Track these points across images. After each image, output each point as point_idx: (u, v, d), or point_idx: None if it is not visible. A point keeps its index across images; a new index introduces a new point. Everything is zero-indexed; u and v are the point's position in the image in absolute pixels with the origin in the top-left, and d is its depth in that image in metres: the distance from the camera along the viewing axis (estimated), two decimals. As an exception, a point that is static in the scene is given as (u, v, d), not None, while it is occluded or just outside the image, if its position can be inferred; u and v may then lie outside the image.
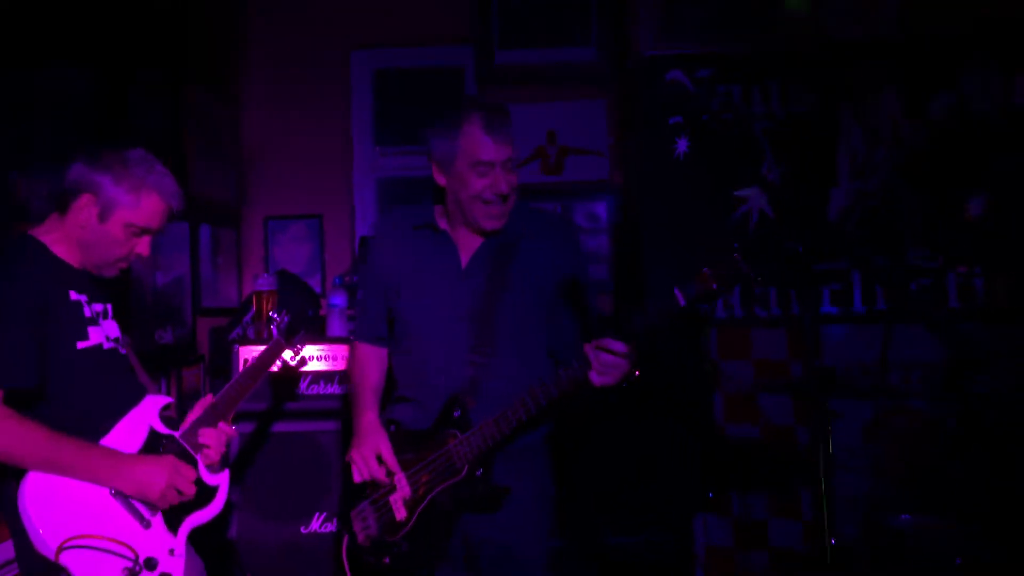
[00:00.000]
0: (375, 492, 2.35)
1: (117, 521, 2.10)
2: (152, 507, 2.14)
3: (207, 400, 2.34)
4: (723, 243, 3.71)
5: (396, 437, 2.37)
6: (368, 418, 2.41)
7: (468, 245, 2.37)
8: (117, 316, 2.32)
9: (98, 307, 2.25)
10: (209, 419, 2.29)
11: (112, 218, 2.17)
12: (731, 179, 3.75)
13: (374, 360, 2.51)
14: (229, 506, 2.30)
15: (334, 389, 3.27)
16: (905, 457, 3.51)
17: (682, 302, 2.00)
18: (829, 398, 3.00)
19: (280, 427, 3.24)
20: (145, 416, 2.23)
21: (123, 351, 2.30)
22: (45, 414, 2.08)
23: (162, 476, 2.12)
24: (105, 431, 2.16)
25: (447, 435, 2.30)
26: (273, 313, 2.64)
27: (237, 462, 3.19)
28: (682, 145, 3.79)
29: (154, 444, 2.21)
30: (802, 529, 3.55)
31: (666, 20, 3.93)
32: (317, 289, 4.20)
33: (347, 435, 3.15)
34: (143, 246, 2.23)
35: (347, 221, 4.37)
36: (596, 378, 2.10)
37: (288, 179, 4.37)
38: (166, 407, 2.28)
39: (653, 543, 3.31)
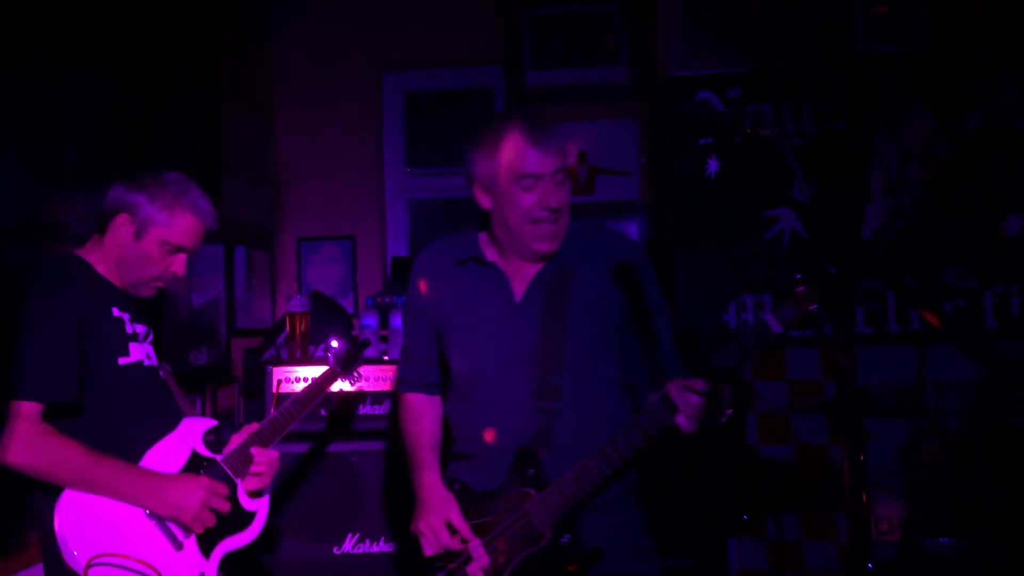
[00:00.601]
0: (450, 563, 2.08)
1: (148, 542, 2.13)
2: (186, 529, 2.16)
3: (253, 426, 2.36)
4: (755, 263, 3.70)
5: (462, 499, 2.11)
6: (429, 480, 2.14)
7: (522, 275, 2.14)
8: (156, 342, 2.36)
9: (140, 328, 2.28)
10: (257, 443, 2.31)
11: (147, 236, 2.22)
12: (762, 199, 3.74)
13: (427, 411, 2.26)
14: (267, 530, 2.31)
15: (367, 410, 3.28)
16: (940, 478, 3.46)
17: (777, 328, 1.81)
18: (863, 418, 2.97)
19: (324, 448, 3.25)
20: (187, 438, 2.26)
21: (162, 375, 2.33)
22: (82, 429, 2.10)
23: (196, 498, 2.14)
24: (143, 450, 2.18)
25: (521, 495, 2.04)
26: (332, 341, 2.68)
27: (276, 483, 3.21)
28: (713, 165, 3.79)
29: (195, 467, 2.23)
30: (837, 551, 3.51)
31: (696, 39, 3.93)
32: (350, 310, 4.23)
33: (389, 457, 3.18)
34: (178, 265, 2.27)
35: (379, 242, 4.40)
36: (685, 423, 1.88)
37: (321, 200, 4.41)
38: (210, 431, 2.29)
39: (687, 568, 3.28)
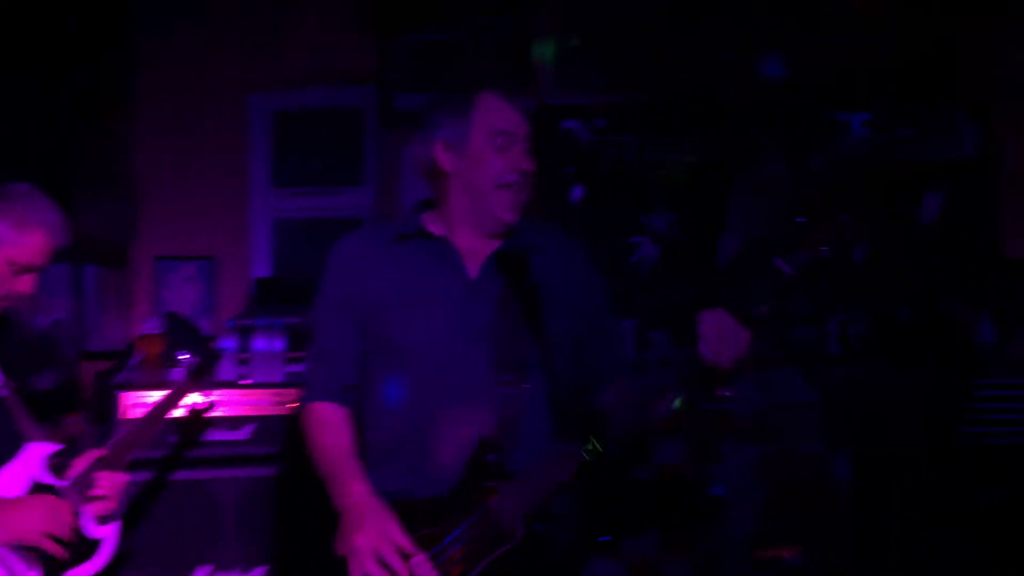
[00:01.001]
0: None
1: None
2: (30, 561, 2.04)
3: (99, 451, 2.23)
4: (618, 289, 3.78)
5: (401, 510, 1.82)
6: (358, 490, 1.86)
7: (475, 252, 1.96)
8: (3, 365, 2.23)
9: None
10: (102, 467, 2.18)
11: None
12: (626, 226, 3.84)
13: (342, 420, 1.99)
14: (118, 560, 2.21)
15: (223, 435, 3.18)
16: (790, 497, 3.60)
17: (789, 271, 1.74)
18: (719, 440, 3.08)
19: (177, 475, 3.13)
20: (28, 465, 2.13)
21: (5, 398, 2.21)
22: None
23: (37, 521, 2.01)
24: None
25: (481, 492, 1.80)
26: (181, 354, 2.56)
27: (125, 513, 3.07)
28: (577, 192, 3.87)
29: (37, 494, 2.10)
30: (691, 566, 3.60)
31: (565, 70, 4.02)
32: (209, 332, 4.10)
33: (244, 484, 3.08)
34: (25, 284, 2.14)
35: (242, 263, 4.30)
36: (710, 354, 1.73)
37: (181, 219, 4.27)
38: (54, 455, 2.17)
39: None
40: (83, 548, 2.13)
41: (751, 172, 3.91)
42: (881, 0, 3.86)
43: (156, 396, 3.01)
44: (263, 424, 3.18)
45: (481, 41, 4.30)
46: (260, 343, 3.49)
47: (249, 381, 3.30)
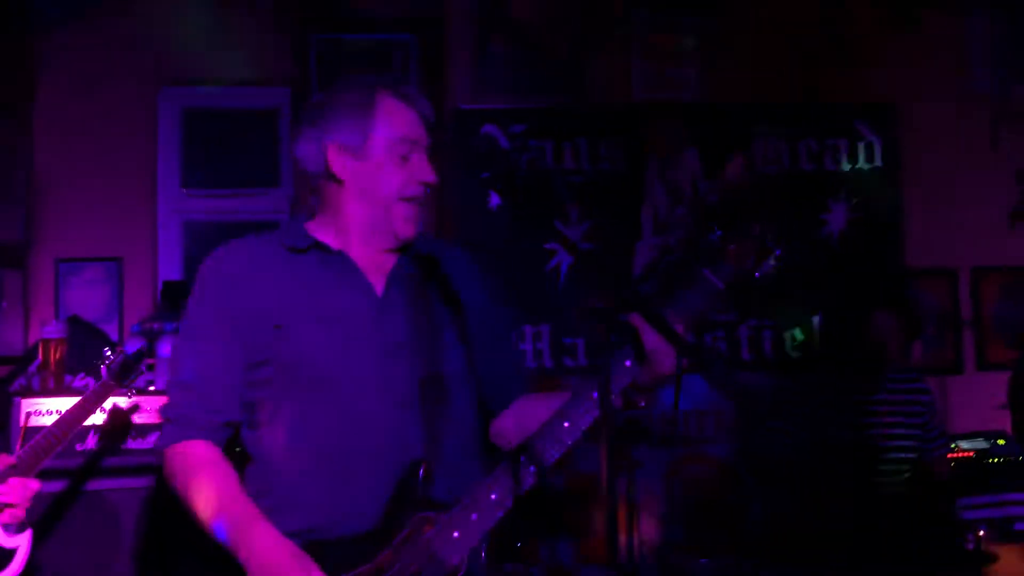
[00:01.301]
0: None
1: None
2: None
3: (7, 457, 2.15)
4: (534, 295, 3.79)
5: (317, 554, 1.58)
6: (264, 536, 1.59)
7: (375, 267, 1.80)
8: None
9: None
10: (12, 473, 2.10)
11: None
12: (541, 233, 3.85)
13: (221, 460, 1.72)
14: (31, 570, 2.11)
15: (130, 443, 3.08)
16: (701, 501, 3.66)
17: (719, 284, 1.67)
18: (633, 446, 3.10)
19: (85, 485, 3.01)
20: None
21: None
22: None
23: None
24: None
25: (416, 524, 1.61)
26: (106, 351, 2.45)
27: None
28: (495, 199, 3.87)
29: None
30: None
31: (483, 75, 4.02)
32: (114, 337, 3.97)
33: (147, 493, 2.97)
34: None
35: (149, 265, 4.17)
36: (651, 369, 1.64)
37: (84, 219, 4.12)
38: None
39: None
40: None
41: (666, 179, 3.97)
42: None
43: (55, 404, 2.91)
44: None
45: (400, 43, 4.27)
46: (167, 348, 3.39)
47: (155, 388, 3.20)
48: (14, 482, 2.10)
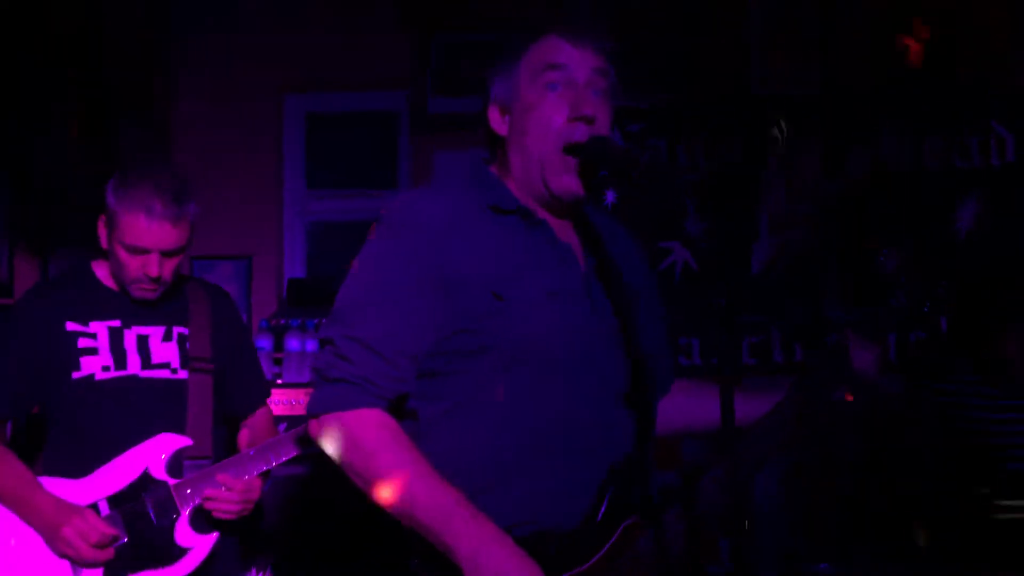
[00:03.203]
0: None
1: (46, 566, 2.06)
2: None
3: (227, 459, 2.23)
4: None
5: (538, 550, 1.41)
6: (488, 532, 1.41)
7: (564, 235, 1.62)
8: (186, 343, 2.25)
9: (142, 331, 2.21)
10: (227, 470, 2.17)
11: (112, 237, 2.17)
12: (657, 231, 3.83)
13: (408, 438, 1.51)
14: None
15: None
16: (821, 507, 3.57)
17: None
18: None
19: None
20: (148, 455, 2.16)
21: (174, 376, 2.22)
22: (53, 442, 2.16)
23: (60, 528, 2.04)
24: (94, 467, 2.12)
25: (628, 531, 1.47)
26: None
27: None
28: (610, 196, 3.86)
29: (142, 487, 2.14)
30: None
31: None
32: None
33: (277, 482, 3.08)
34: (150, 266, 2.17)
35: (276, 264, 4.33)
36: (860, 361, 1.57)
37: (217, 219, 4.28)
38: (183, 450, 2.18)
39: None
40: (165, 553, 2.12)
41: (785, 176, 3.89)
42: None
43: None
44: (293, 424, 3.20)
45: (516, 43, 4.30)
46: (293, 343, 3.52)
47: (282, 380, 3.33)
48: (226, 481, 2.13)
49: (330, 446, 1.51)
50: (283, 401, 3.19)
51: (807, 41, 3.96)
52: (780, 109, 3.89)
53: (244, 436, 2.39)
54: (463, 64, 4.32)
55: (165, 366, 2.21)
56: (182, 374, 2.22)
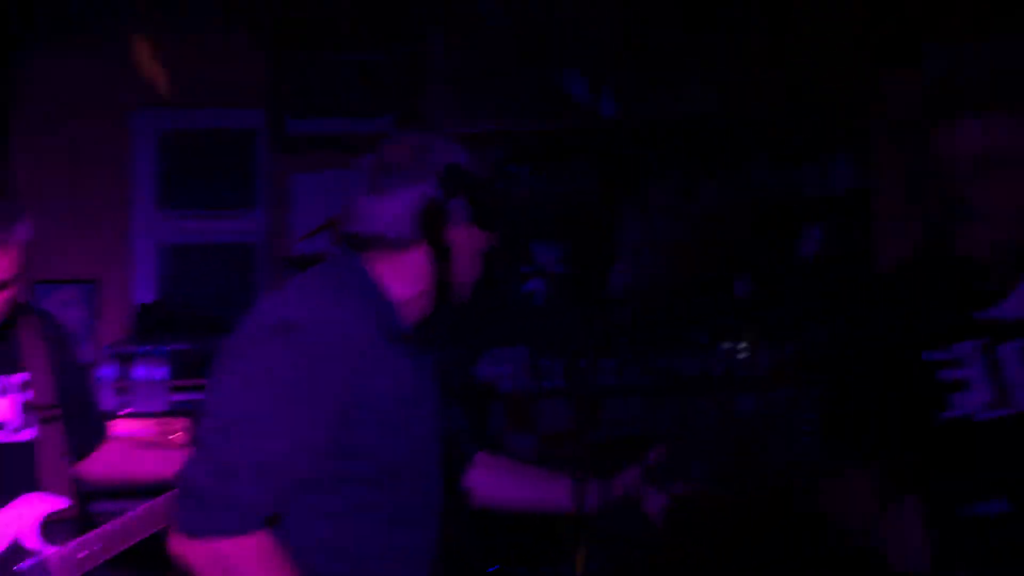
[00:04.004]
0: None
1: None
2: None
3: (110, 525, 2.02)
4: (510, 317, 3.80)
5: None
6: None
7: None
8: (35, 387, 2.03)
9: None
10: (112, 538, 1.98)
11: None
12: (520, 255, 3.86)
13: (284, 562, 1.49)
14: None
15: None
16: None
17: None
18: (608, 469, 3.10)
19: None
20: (17, 521, 1.92)
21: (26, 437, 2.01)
22: None
23: None
24: None
25: None
26: None
27: None
28: (471, 221, 3.88)
29: (14, 559, 1.89)
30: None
31: (462, 98, 4.03)
32: (88, 359, 3.94)
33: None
34: None
35: (124, 287, 4.15)
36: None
37: (59, 240, 4.10)
38: (54, 514, 1.96)
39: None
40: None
41: (643, 202, 3.99)
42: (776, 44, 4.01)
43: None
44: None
45: (377, 64, 4.27)
46: (141, 371, 3.38)
47: (130, 410, 3.18)
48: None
49: (203, 571, 1.45)
50: (129, 432, 3.04)
51: (665, 70, 4.09)
52: (638, 137, 4.00)
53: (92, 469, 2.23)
54: (320, 84, 4.27)
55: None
56: (25, 434, 2.02)
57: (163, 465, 2.12)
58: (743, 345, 3.92)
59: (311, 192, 4.11)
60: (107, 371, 3.36)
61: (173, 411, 3.20)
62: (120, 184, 4.20)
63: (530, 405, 3.75)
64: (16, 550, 1.90)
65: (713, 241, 3.97)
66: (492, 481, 1.93)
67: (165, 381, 3.37)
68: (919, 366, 1.64)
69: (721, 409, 3.83)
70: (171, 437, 3.15)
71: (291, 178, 4.13)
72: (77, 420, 2.13)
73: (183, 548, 1.45)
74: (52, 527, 1.96)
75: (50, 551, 1.93)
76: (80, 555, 1.94)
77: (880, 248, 3.95)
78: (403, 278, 1.65)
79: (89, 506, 2.26)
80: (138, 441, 2.57)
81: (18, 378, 2.04)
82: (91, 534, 1.98)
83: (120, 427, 3.04)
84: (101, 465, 2.22)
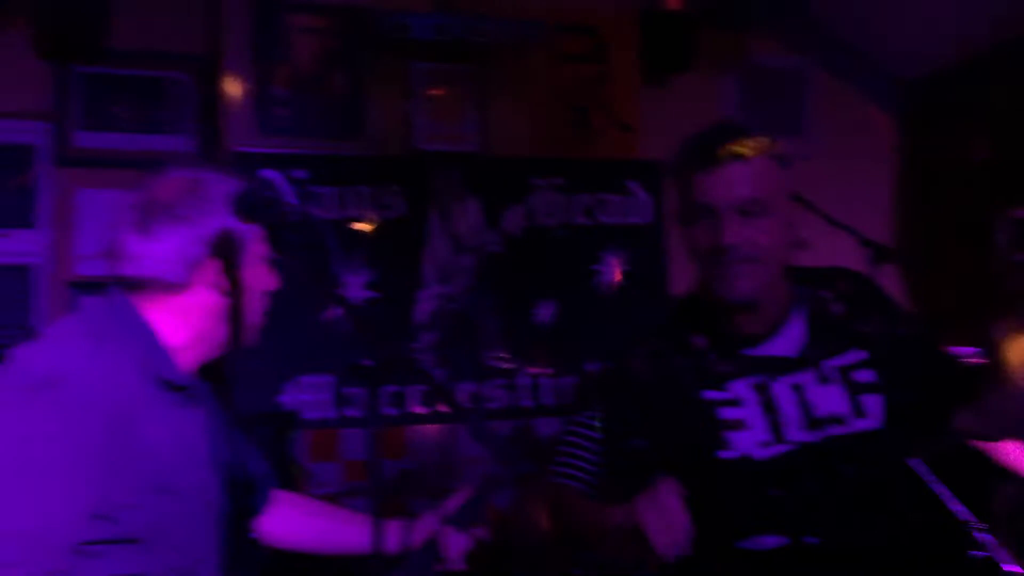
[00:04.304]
0: None
1: None
2: None
3: None
4: (315, 345, 3.70)
5: None
6: None
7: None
8: None
9: None
10: None
11: None
12: (322, 281, 3.76)
13: None
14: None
15: None
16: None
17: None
18: (412, 498, 3.07)
19: None
20: None
21: None
22: None
23: None
24: None
25: None
26: None
27: None
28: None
29: None
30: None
31: (264, 117, 3.92)
32: None
33: None
34: None
35: None
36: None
37: None
38: None
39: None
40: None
41: (449, 228, 4.00)
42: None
43: None
44: None
45: (174, 80, 4.09)
46: None
47: None
48: None
49: None
50: None
51: (467, 102, 4.14)
52: (442, 165, 4.02)
53: None
54: (111, 99, 4.04)
55: None
56: None
57: None
58: (547, 371, 4.00)
59: (99, 210, 3.87)
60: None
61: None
62: None
63: (333, 433, 3.66)
64: None
65: (517, 267, 4.04)
66: (290, 522, 1.86)
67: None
68: (698, 405, 1.67)
69: (526, 436, 3.88)
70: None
71: (77, 195, 3.87)
72: None
73: None
74: None
75: None
76: None
77: (676, 279, 4.14)
78: (179, 322, 1.57)
79: None
80: None
81: None
82: None
83: None
84: None
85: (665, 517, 1.44)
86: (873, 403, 1.66)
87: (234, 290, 1.54)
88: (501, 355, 3.99)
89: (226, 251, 1.51)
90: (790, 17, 4.72)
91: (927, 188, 4.85)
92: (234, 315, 1.54)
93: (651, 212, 4.21)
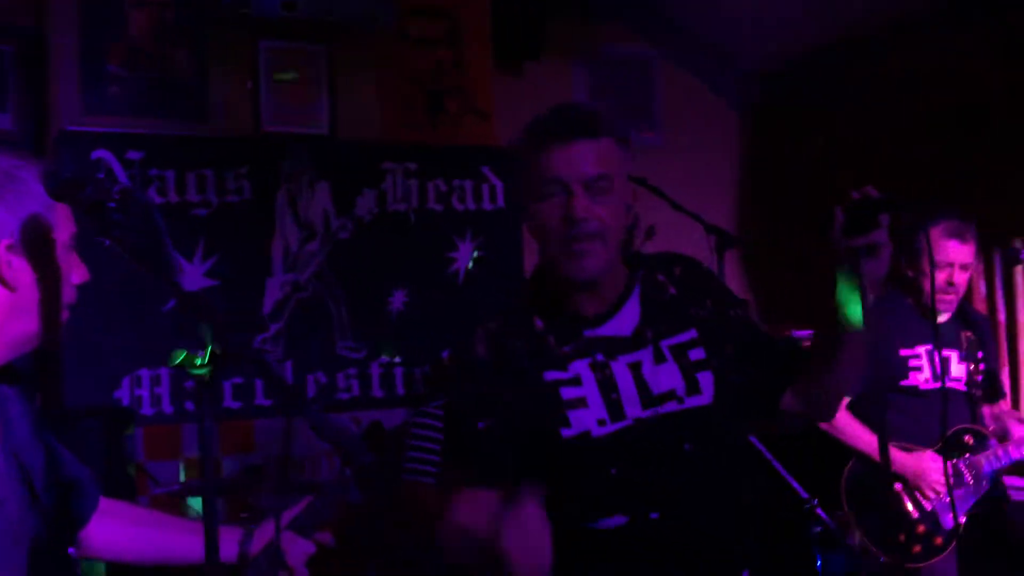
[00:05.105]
0: None
1: None
2: None
3: None
4: (154, 337, 3.50)
5: None
6: None
7: None
8: None
9: None
10: None
11: None
12: (163, 268, 3.57)
13: None
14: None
15: None
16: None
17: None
18: (260, 495, 2.95)
19: None
20: None
21: None
22: None
23: None
24: None
25: None
26: None
27: None
28: (107, 242, 3.54)
29: None
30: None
31: (94, 96, 3.67)
32: None
33: None
34: None
35: None
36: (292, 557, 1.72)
37: None
38: None
39: None
40: None
41: (298, 213, 3.87)
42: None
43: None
44: None
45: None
46: None
47: None
48: None
49: None
50: None
51: (316, 84, 4.01)
52: (291, 148, 3.88)
53: None
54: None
55: None
56: None
57: None
58: (398, 359, 3.93)
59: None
60: None
61: None
62: None
63: (175, 429, 3.49)
64: None
65: (368, 254, 3.95)
66: (115, 532, 1.73)
67: None
68: (540, 385, 1.67)
69: (376, 428, 3.80)
70: None
71: None
72: None
73: None
74: None
75: None
76: None
77: (530, 265, 4.13)
78: None
79: None
80: None
81: None
82: None
83: None
84: None
85: (528, 540, 1.42)
86: (706, 380, 1.70)
87: (39, 281, 1.39)
88: (352, 344, 3.89)
89: (30, 241, 1.37)
90: (641, 8, 4.79)
91: (771, 177, 5.04)
92: (35, 309, 1.40)
93: (505, 198, 4.20)
